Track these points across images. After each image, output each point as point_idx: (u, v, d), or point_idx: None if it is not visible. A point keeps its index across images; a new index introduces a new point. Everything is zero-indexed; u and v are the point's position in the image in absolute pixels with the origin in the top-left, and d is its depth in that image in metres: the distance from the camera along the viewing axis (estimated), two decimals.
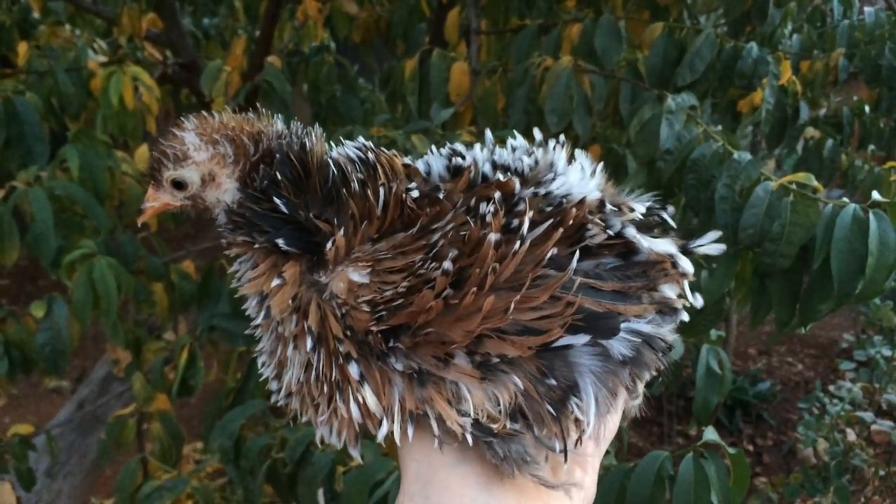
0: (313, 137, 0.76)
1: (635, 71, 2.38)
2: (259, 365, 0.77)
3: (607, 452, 1.66)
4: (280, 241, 0.70)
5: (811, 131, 3.16)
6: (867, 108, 3.29)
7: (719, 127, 1.97)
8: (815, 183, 1.53)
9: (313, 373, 0.70)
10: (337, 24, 3.17)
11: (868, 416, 3.61)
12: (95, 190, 2.08)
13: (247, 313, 0.76)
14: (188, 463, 3.29)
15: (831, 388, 4.10)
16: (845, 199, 1.51)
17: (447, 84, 2.35)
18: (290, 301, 0.70)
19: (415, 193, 0.71)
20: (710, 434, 1.33)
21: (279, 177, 0.72)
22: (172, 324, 2.61)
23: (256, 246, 0.72)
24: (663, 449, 1.40)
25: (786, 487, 3.49)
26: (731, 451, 1.33)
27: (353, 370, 0.67)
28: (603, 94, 2.23)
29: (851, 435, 3.55)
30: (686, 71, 2.11)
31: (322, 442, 0.74)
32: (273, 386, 0.75)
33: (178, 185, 0.77)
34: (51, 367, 1.97)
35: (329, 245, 0.69)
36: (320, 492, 1.67)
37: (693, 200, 1.75)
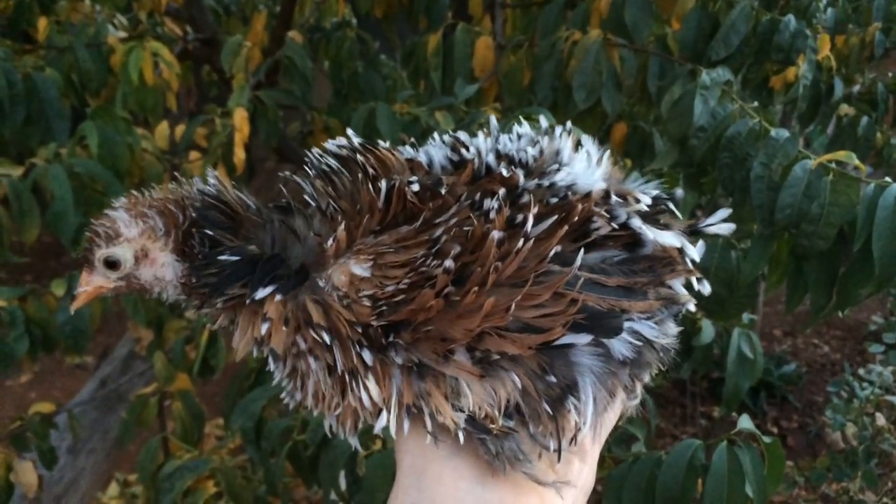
0: (219, 180, 0.76)
1: (665, 45, 2.32)
2: (285, 397, 0.77)
3: (636, 439, 1.63)
4: (260, 291, 0.69)
5: (845, 108, 3.08)
6: None
7: (755, 103, 1.90)
8: (857, 162, 1.47)
9: (336, 369, 0.69)
10: None
11: None
12: (115, 167, 2.05)
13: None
14: (210, 439, 3.30)
15: (860, 371, 4.03)
16: (888, 179, 1.45)
17: (471, 59, 2.31)
18: (284, 332, 0.70)
19: (415, 187, 0.70)
20: (745, 422, 1.30)
21: (211, 232, 0.72)
22: None
23: (248, 302, 0.71)
24: (686, 430, 1.37)
25: (812, 472, 3.45)
26: (767, 439, 1.29)
27: (367, 356, 0.67)
28: (633, 70, 2.17)
29: (881, 419, 3.49)
30: (720, 45, 2.04)
31: (331, 431, 0.74)
32: (296, 397, 0.75)
33: (111, 264, 0.75)
34: (72, 346, 1.96)
35: (330, 242, 0.69)
36: (342, 474, 1.66)
37: (727, 180, 1.69)
